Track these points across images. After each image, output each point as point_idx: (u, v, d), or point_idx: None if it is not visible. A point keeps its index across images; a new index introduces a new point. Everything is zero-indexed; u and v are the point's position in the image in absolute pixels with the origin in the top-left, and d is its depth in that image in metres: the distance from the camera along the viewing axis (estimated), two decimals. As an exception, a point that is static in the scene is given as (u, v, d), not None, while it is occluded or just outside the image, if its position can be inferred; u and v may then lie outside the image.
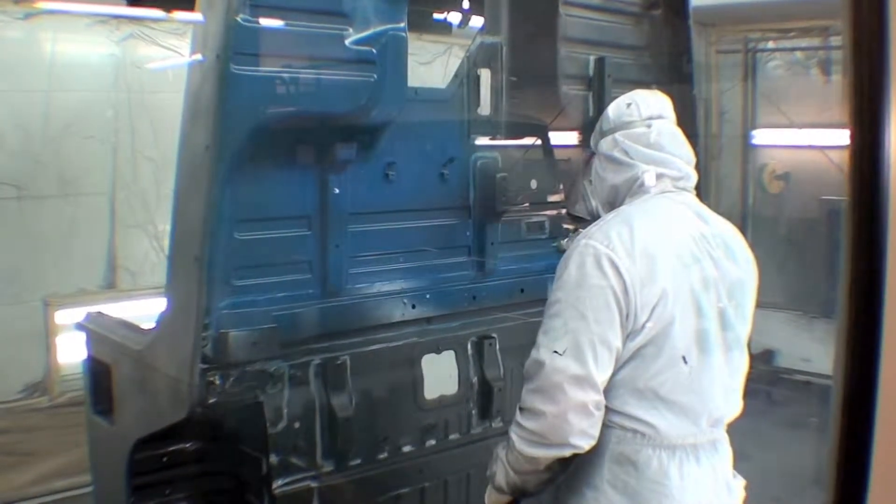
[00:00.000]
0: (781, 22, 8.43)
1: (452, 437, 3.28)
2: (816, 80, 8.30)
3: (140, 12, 6.37)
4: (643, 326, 2.00)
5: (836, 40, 7.96)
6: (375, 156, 2.94)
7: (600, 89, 3.39)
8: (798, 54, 8.63)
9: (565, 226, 3.43)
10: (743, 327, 2.18)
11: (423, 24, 4.06)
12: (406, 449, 3.15)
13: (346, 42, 2.61)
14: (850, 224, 0.96)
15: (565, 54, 3.32)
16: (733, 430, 2.21)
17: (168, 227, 2.66)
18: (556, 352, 1.98)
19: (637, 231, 2.05)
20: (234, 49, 2.38)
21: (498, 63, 3.29)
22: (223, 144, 2.43)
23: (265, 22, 2.50)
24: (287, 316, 2.75)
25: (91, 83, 6.58)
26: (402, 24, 2.72)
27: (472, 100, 3.23)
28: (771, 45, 8.93)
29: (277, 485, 2.78)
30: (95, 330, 3.24)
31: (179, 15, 4.77)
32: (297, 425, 2.81)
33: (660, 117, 2.26)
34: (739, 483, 2.22)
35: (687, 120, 2.70)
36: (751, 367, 2.23)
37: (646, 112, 2.25)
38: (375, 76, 2.66)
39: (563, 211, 3.44)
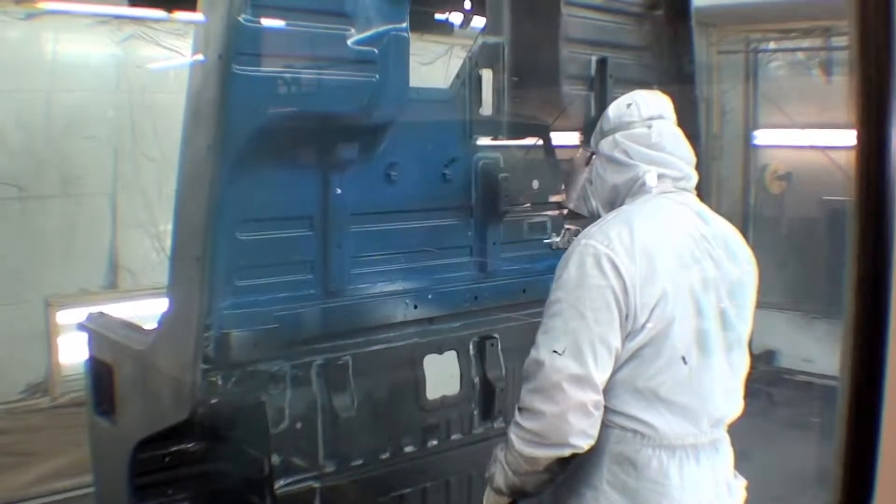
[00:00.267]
0: (783, 22, 8.44)
1: (454, 437, 3.29)
2: (818, 80, 8.30)
3: (141, 12, 6.37)
4: (643, 327, 2.00)
5: (837, 41, 7.97)
6: (377, 156, 2.94)
7: (602, 90, 3.39)
8: (799, 55, 8.63)
9: (565, 225, 3.43)
10: (743, 327, 2.18)
11: (424, 24, 4.05)
12: (408, 449, 3.15)
13: (348, 42, 2.61)
14: (856, 223, 0.96)
15: (567, 55, 3.32)
16: (734, 430, 2.21)
17: (170, 228, 2.66)
18: (555, 351, 1.98)
19: (637, 231, 2.05)
20: (235, 49, 2.38)
21: (500, 63, 3.29)
22: (225, 144, 2.43)
23: (267, 22, 2.50)
24: (289, 316, 2.75)
25: (92, 83, 6.58)
26: (404, 25, 2.73)
27: (474, 100, 3.23)
28: (772, 45, 8.94)
29: (279, 485, 2.79)
30: (97, 330, 3.24)
31: (181, 15, 4.77)
32: (299, 425, 2.81)
33: (660, 118, 2.26)
34: (740, 483, 2.22)
35: (688, 120, 2.70)
36: (752, 367, 2.23)
37: (646, 112, 2.24)
38: (377, 76, 2.67)
39: (563, 210, 3.44)
